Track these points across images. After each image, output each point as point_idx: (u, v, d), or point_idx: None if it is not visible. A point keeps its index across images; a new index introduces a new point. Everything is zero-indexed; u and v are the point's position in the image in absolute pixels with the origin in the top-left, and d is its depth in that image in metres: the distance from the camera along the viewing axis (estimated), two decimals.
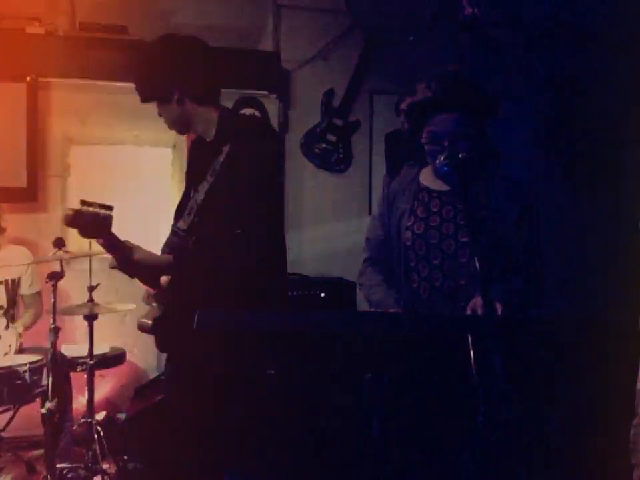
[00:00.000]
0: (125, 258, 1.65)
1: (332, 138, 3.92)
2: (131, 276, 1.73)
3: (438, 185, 1.88)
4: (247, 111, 3.79)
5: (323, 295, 3.21)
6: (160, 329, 1.77)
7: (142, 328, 1.81)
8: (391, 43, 3.84)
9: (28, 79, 3.50)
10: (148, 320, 1.80)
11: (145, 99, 1.84)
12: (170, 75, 1.79)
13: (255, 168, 1.73)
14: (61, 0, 3.61)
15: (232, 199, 1.69)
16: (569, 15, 4.11)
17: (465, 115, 1.77)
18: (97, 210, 1.56)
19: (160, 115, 1.86)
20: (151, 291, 1.84)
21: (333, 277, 3.60)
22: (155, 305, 1.85)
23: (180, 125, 1.86)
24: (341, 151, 3.93)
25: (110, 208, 1.59)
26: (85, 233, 1.60)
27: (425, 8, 3.65)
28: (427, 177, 1.92)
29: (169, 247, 1.85)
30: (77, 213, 1.55)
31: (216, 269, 1.67)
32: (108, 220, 1.58)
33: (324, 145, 3.91)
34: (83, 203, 1.57)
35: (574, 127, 4.32)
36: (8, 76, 3.48)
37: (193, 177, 1.91)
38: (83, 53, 3.52)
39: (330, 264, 3.79)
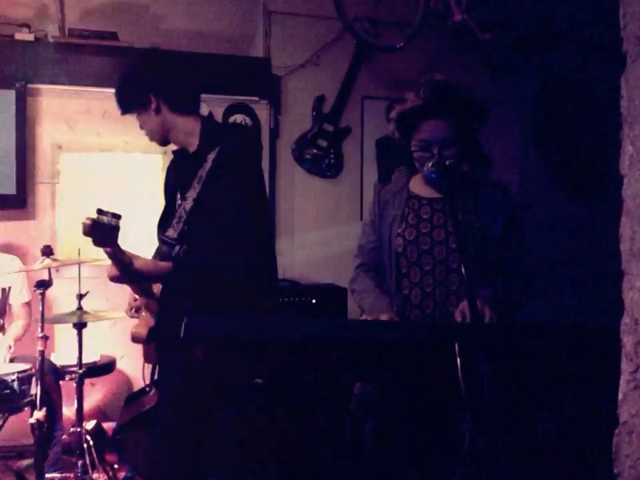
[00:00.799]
0: (127, 267, 1.66)
1: (323, 143, 3.92)
2: (132, 284, 1.75)
3: (428, 192, 1.89)
4: (238, 117, 3.79)
5: (314, 301, 3.20)
6: (155, 339, 1.77)
7: (136, 339, 1.80)
8: (382, 48, 3.86)
9: (17, 85, 3.48)
10: (140, 330, 1.79)
11: (123, 110, 1.87)
12: (145, 82, 1.83)
13: (243, 174, 1.76)
14: (51, 6, 3.60)
15: (221, 206, 1.70)
16: (559, 20, 4.14)
17: (453, 122, 1.79)
18: (110, 219, 1.58)
19: (141, 128, 1.88)
20: (137, 302, 1.83)
21: (324, 283, 3.60)
22: (144, 314, 1.84)
23: (160, 135, 1.88)
24: (332, 156, 3.93)
25: (120, 217, 1.61)
26: (98, 243, 1.61)
27: (415, 14, 3.66)
28: (416, 184, 1.94)
29: (160, 256, 1.84)
30: (94, 222, 1.57)
31: (210, 276, 1.69)
32: (118, 229, 1.61)
33: (315, 151, 3.91)
34: (100, 212, 1.58)
35: (564, 130, 4.34)
36: None
37: (176, 187, 1.91)
38: (73, 59, 3.51)
39: (321, 270, 3.78)
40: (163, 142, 1.91)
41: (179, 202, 1.87)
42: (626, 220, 0.72)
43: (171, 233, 1.83)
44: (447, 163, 1.70)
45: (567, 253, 4.03)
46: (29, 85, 3.51)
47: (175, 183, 1.93)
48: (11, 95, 3.47)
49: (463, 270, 1.40)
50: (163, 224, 1.90)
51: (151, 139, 1.91)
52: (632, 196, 0.71)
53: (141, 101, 1.82)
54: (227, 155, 1.76)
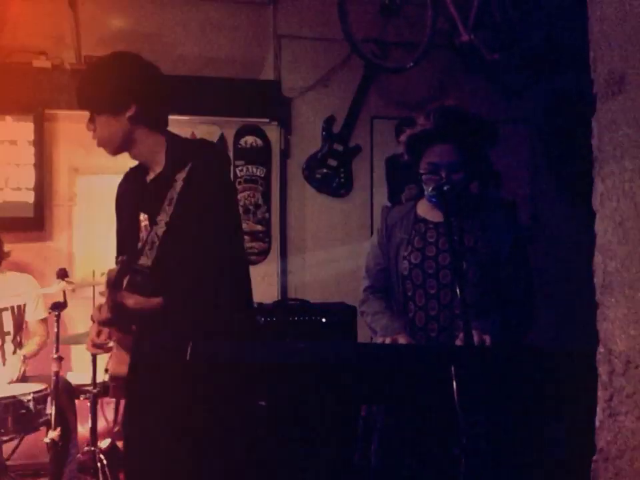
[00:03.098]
0: (121, 308, 1.55)
1: (333, 163, 3.97)
2: (120, 326, 1.63)
3: (434, 216, 1.91)
4: (249, 139, 3.87)
5: (324, 320, 3.22)
6: (140, 375, 1.66)
7: (116, 378, 1.71)
8: (390, 69, 3.91)
9: (35, 111, 3.59)
10: (119, 368, 1.68)
11: (94, 106, 1.69)
12: (135, 87, 1.68)
13: (216, 192, 1.67)
14: (67, 34, 3.71)
15: (197, 228, 1.60)
16: (566, 37, 4.16)
17: (462, 146, 1.82)
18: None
19: (93, 130, 1.70)
20: (101, 338, 1.71)
21: (334, 302, 3.62)
22: (117, 351, 1.73)
23: (118, 144, 1.71)
24: (342, 175, 3.98)
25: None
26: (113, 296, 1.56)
27: (422, 35, 3.71)
28: (423, 208, 1.96)
29: (134, 288, 1.65)
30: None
31: (197, 302, 1.58)
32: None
33: (325, 170, 3.96)
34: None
35: (574, 147, 4.35)
36: (16, 108, 3.58)
37: (137, 209, 1.77)
38: None
39: (331, 289, 3.81)
40: (117, 152, 1.74)
41: (147, 226, 1.72)
42: (598, 254, 0.75)
43: (145, 261, 1.69)
44: (445, 187, 1.73)
45: (578, 269, 4.01)
46: (47, 111, 3.62)
47: (133, 204, 1.78)
48: (29, 120, 3.59)
49: (458, 291, 1.43)
50: (125, 250, 1.75)
51: (103, 145, 1.73)
52: (603, 231, 0.74)
53: (118, 103, 1.67)
54: (198, 173, 1.64)
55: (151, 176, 1.75)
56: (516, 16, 3.84)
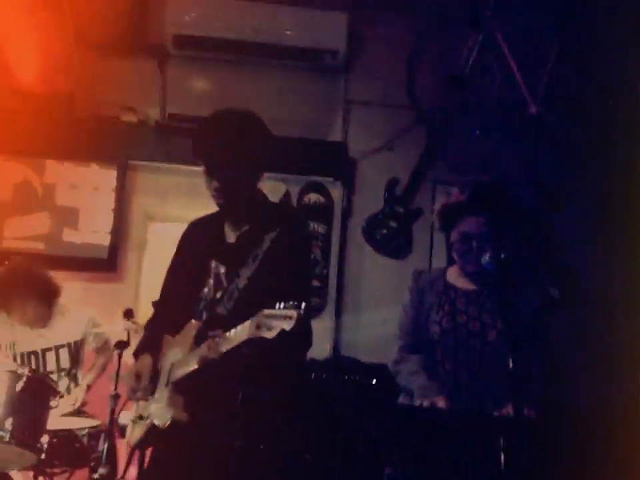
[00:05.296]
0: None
1: (393, 224, 4.03)
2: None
3: (464, 284, 1.98)
4: (312, 196, 4.00)
5: (374, 381, 3.20)
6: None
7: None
8: (454, 136, 3.99)
9: (119, 161, 3.87)
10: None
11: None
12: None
13: (302, 254, 1.79)
14: (154, 92, 4.02)
15: (277, 286, 1.66)
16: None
17: (493, 219, 1.88)
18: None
19: (222, 190, 1.75)
20: (142, 383, 1.75)
21: (385, 363, 3.59)
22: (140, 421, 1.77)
23: (242, 202, 1.79)
24: (401, 237, 4.02)
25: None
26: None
27: (490, 104, 3.79)
28: (454, 275, 2.02)
29: (205, 332, 1.68)
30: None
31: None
32: None
33: (385, 231, 4.02)
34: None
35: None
36: (101, 157, 3.88)
37: (209, 257, 1.82)
38: (170, 140, 3.85)
39: (384, 350, 3.78)
40: (235, 208, 1.82)
41: (219, 275, 1.79)
42: None
43: (222, 310, 1.75)
44: (483, 261, 1.78)
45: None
46: (129, 161, 3.90)
47: (204, 253, 1.85)
48: (112, 169, 3.87)
49: (511, 363, 1.43)
50: (176, 292, 1.85)
51: (223, 203, 1.80)
52: None
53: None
54: (287, 239, 1.74)
55: (231, 229, 1.84)
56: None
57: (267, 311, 1.50)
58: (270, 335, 1.48)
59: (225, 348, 1.58)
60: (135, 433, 1.83)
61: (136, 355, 1.92)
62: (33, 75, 3.42)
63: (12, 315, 3.01)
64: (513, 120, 3.95)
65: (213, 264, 1.81)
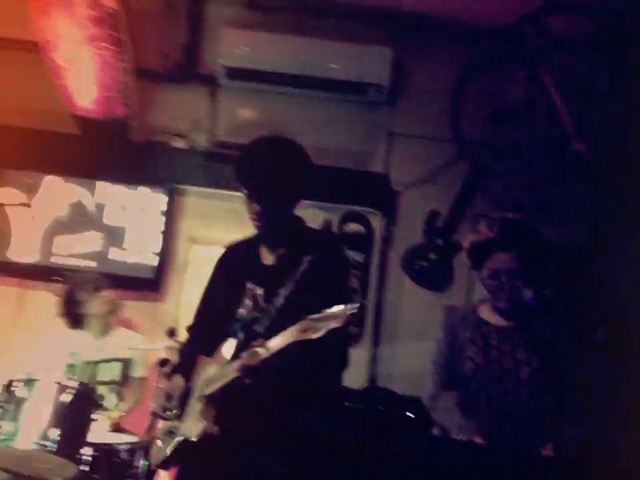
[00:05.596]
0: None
1: (432, 256, 4.02)
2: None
3: (497, 320, 1.98)
4: (353, 226, 4.04)
5: (408, 414, 3.17)
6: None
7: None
8: (497, 171, 3.98)
9: (168, 185, 4.01)
10: (166, 454, 1.72)
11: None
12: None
13: (339, 278, 1.81)
14: (204, 120, 4.18)
15: (314, 307, 1.64)
16: None
17: (522, 255, 1.89)
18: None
19: (261, 213, 1.79)
20: (173, 402, 1.78)
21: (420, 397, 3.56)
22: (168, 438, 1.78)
23: (279, 226, 1.83)
24: (440, 270, 4.01)
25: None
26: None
27: (535, 141, 3.78)
28: (486, 311, 2.02)
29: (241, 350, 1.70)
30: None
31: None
32: None
33: (424, 263, 4.01)
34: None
35: None
36: (151, 180, 4.03)
37: (246, 278, 1.86)
38: (217, 166, 3.97)
39: (421, 382, 3.75)
40: (278, 236, 1.87)
41: (256, 295, 1.82)
42: None
43: (259, 329, 1.77)
44: (525, 296, 1.79)
45: None
46: (177, 185, 4.04)
47: (241, 274, 1.88)
48: (161, 192, 4.01)
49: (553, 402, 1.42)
50: (213, 312, 1.89)
51: (261, 226, 1.84)
52: None
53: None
54: (326, 261, 1.77)
55: (267, 252, 1.89)
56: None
57: (313, 316, 1.53)
58: (316, 335, 1.49)
59: (266, 354, 1.60)
60: (161, 451, 1.84)
61: (168, 375, 1.97)
62: (92, 101, 3.60)
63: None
64: (558, 156, 3.93)
65: (249, 285, 1.85)
